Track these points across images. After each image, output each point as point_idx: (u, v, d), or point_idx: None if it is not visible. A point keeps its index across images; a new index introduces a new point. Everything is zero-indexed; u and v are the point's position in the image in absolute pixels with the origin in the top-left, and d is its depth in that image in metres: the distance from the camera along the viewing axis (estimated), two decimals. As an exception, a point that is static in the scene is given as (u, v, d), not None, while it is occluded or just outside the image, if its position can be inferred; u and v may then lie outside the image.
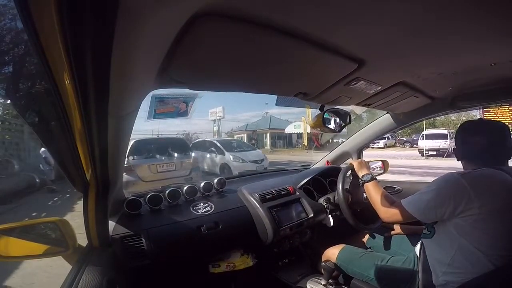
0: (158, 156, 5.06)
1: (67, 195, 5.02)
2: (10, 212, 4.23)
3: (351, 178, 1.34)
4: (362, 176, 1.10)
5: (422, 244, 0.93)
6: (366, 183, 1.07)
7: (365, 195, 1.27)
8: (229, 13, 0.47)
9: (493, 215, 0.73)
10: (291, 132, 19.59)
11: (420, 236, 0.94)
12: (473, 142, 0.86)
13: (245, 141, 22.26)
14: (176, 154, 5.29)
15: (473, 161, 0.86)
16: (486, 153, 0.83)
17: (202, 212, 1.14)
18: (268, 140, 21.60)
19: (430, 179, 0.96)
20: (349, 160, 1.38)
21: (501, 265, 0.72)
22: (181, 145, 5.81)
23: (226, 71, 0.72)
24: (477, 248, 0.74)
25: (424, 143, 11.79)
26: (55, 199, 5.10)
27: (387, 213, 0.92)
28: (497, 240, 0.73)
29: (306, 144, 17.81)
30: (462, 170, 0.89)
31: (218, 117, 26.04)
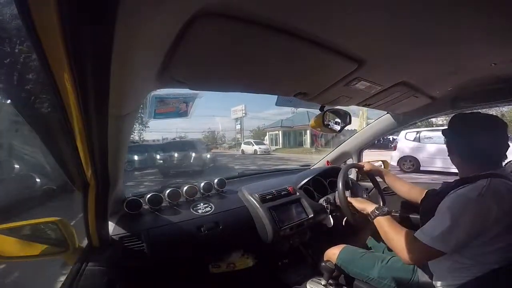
0: (173, 151, 9.35)
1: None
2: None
3: (353, 177, 1.34)
4: (368, 213, 0.97)
5: None
6: (376, 218, 0.92)
7: (365, 195, 1.27)
8: (229, 13, 0.47)
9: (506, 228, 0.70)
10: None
11: None
12: (479, 140, 0.77)
13: (280, 137, 22.64)
14: (190, 151, 9.39)
15: (474, 163, 0.79)
16: (491, 154, 0.76)
17: (202, 213, 1.14)
18: (308, 138, 20.64)
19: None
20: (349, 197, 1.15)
21: (502, 267, 0.72)
22: (193, 144, 10.36)
23: (226, 71, 0.72)
24: (477, 258, 0.73)
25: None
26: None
27: (404, 253, 0.78)
28: (498, 250, 0.72)
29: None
30: (459, 175, 0.85)
31: (242, 115, 25.65)
